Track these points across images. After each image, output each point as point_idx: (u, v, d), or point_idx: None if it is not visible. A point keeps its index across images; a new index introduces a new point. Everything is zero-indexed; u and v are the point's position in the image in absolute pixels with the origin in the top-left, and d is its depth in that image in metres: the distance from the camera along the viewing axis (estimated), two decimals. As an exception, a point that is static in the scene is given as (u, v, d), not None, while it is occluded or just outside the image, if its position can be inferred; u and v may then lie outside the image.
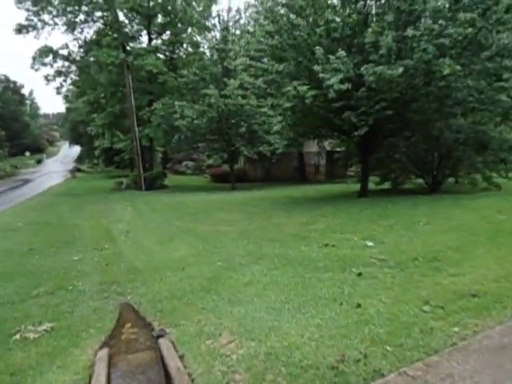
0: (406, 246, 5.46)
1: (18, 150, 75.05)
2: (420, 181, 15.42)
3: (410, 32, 7.83)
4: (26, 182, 38.06)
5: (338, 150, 20.14)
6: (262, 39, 10.74)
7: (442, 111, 9.90)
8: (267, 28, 10.55)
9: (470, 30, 7.66)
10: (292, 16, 10.25)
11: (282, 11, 10.62)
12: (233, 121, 20.07)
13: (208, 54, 23.58)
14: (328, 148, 21.77)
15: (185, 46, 27.88)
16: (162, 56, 27.87)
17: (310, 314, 3.60)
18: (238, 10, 22.73)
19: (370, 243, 5.85)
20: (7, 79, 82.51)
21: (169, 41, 27.39)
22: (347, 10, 10.22)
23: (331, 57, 8.89)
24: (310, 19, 10.23)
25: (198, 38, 26.72)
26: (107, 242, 8.89)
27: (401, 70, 7.81)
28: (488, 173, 13.05)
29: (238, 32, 22.98)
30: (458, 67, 7.65)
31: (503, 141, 11.95)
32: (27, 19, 25.67)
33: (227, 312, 4.14)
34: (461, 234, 5.61)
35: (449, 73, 7.57)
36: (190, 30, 27.74)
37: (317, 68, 9.16)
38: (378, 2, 9.79)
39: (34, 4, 25.35)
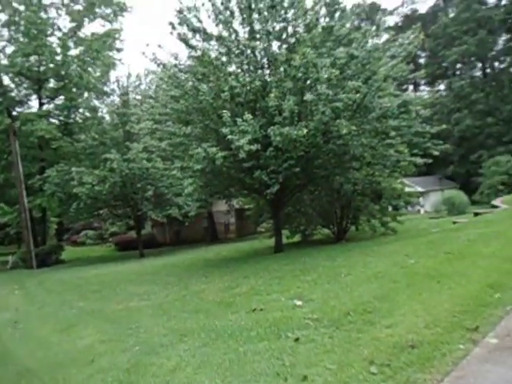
0: (334, 300, 5.41)
1: None
2: (327, 231, 16.31)
3: (308, 97, 8.58)
4: None
5: (246, 207, 20.52)
6: (166, 103, 10.75)
7: (341, 166, 10.80)
8: (172, 93, 10.63)
9: (357, 95, 8.70)
10: (196, 82, 10.54)
11: (186, 77, 10.87)
12: (138, 185, 19.25)
13: (108, 118, 22.85)
14: (237, 206, 22.05)
15: (81, 110, 26.72)
16: (55, 121, 26.21)
17: (253, 398, 3.17)
18: (137, 76, 22.85)
19: (298, 302, 5.68)
20: None
21: (63, 105, 26.01)
22: (247, 78, 10.90)
23: (238, 119, 9.21)
24: (214, 85, 10.62)
25: (96, 103, 25.93)
26: (-12, 340, 7.25)
27: (305, 130, 8.40)
28: (384, 219, 14.40)
29: (138, 97, 22.95)
30: (354, 127, 8.53)
31: (393, 190, 13.43)
32: None
33: (155, 412, 3.48)
34: (381, 282, 5.80)
35: (346, 132, 8.37)
36: (86, 94, 26.88)
37: (225, 130, 9.36)
38: (277, 70, 10.66)
39: None
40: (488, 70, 49.38)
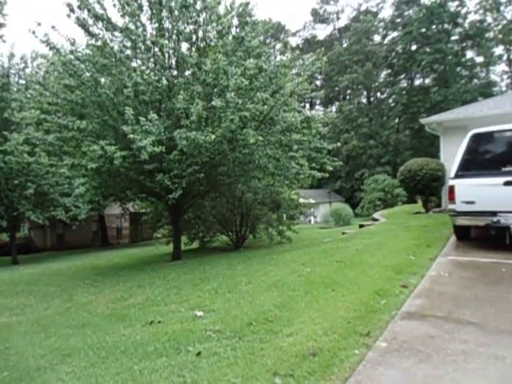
0: (236, 310, 5.34)
1: None
2: (225, 238, 16.38)
3: (218, 103, 8.49)
4: None
5: (143, 211, 19.50)
6: (57, 92, 9.61)
7: (245, 175, 10.94)
8: (66, 81, 9.55)
9: (264, 107, 8.92)
10: (96, 73, 9.65)
11: (83, 66, 9.88)
12: (16, 181, 16.77)
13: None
14: (132, 209, 20.85)
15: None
16: None
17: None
18: (22, 58, 20.09)
19: (199, 313, 5.47)
20: None
21: None
22: (153, 76, 10.36)
23: (142, 119, 8.66)
24: (116, 79, 9.87)
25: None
26: None
27: (213, 136, 8.27)
28: (280, 227, 15.04)
29: (22, 81, 20.24)
30: (260, 137, 8.70)
31: (291, 200, 14.12)
32: None
33: None
34: (281, 291, 5.93)
35: (253, 142, 8.49)
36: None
37: (126, 128, 8.72)
38: (185, 72, 10.37)
39: None
40: (372, 99, 56.12)
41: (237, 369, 3.55)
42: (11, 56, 19.40)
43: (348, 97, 57.78)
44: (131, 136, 8.43)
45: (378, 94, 56.16)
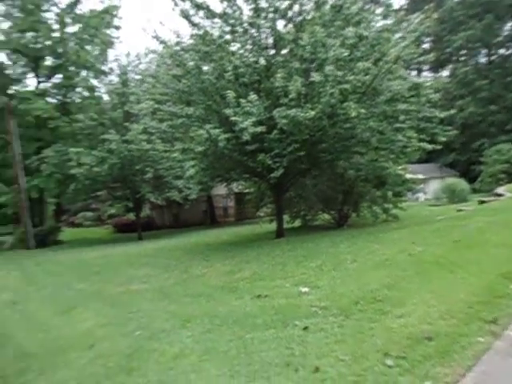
0: (341, 288, 5.27)
1: None
2: (327, 216, 16.18)
3: (316, 77, 8.28)
4: None
5: (246, 191, 20.32)
6: (167, 83, 10.41)
7: (346, 151, 10.56)
8: (173, 72, 10.28)
9: (366, 77, 8.40)
10: (199, 61, 10.19)
11: (188, 55, 10.50)
12: (137, 167, 18.94)
13: (106, 98, 22.38)
14: (236, 190, 21.85)
15: (79, 89, 26.15)
16: (52, 100, 25.67)
17: (264, 390, 3.04)
18: (137, 55, 22.28)
19: (304, 289, 5.54)
20: None
21: (60, 84, 25.45)
22: (252, 58, 10.53)
23: (242, 100, 8.91)
24: (217, 64, 10.28)
25: (95, 82, 25.36)
26: (-14, 322, 7.12)
27: (313, 112, 8.13)
28: (386, 205, 14.25)
29: (138, 77, 22.44)
30: (363, 110, 8.26)
31: (397, 176, 13.23)
32: None
33: (158, 401, 3.34)
34: (389, 270, 5.65)
35: (355, 115, 8.11)
36: (84, 73, 26.29)
37: (228, 111, 9.07)
38: (284, 50, 10.31)
39: None
40: (493, 57, 48.67)
41: (345, 346, 3.52)
42: (128, 54, 21.70)
43: (462, 58, 51.11)
44: (233, 118, 8.76)
45: (501, 51, 48.46)
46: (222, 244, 13.90)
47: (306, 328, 4.09)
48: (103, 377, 4.11)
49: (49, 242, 22.01)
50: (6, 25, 24.63)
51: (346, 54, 8.27)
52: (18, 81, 25.97)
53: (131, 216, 26.09)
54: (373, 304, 4.44)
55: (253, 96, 8.94)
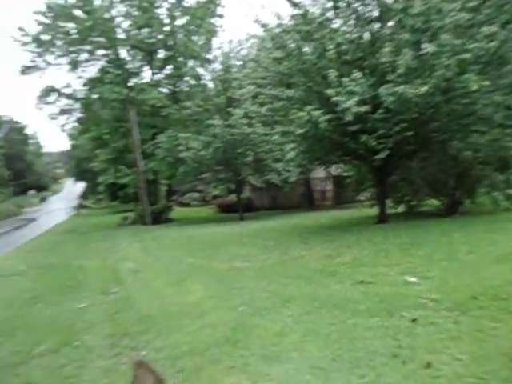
0: (455, 281, 4.81)
1: (23, 188, 75.51)
2: (436, 202, 14.83)
3: (429, 49, 7.50)
4: (31, 220, 37.65)
5: (345, 174, 19.69)
6: (268, 66, 10.50)
7: (463, 129, 9.45)
8: (274, 55, 10.32)
9: (491, 44, 7.31)
10: (300, 42, 10.03)
11: (289, 37, 10.41)
12: (239, 150, 19.73)
13: (211, 85, 23.61)
14: (335, 173, 21.32)
15: (186, 78, 28.08)
16: (164, 90, 28.06)
17: (369, 378, 2.94)
18: (239, 41, 22.92)
19: (411, 279, 5.20)
20: (11, 120, 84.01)
21: (170, 75, 27.64)
22: (355, 33, 9.98)
23: (345, 79, 8.55)
24: (318, 43, 10.00)
25: (200, 70, 26.95)
26: (115, 285, 8.22)
27: (425, 88, 7.42)
28: (510, 191, 12.46)
29: (239, 62, 23.11)
30: (486, 82, 7.26)
31: (525, 158, 11.43)
32: (31, 61, 26.03)
33: (263, 373, 3.48)
34: (516, 265, 4.97)
35: (476, 89, 7.18)
36: (191, 63, 28.07)
37: (330, 91, 8.80)
38: (390, 23, 9.57)
39: (38, 46, 25.77)
40: None
41: (461, 344, 3.21)
42: (230, 42, 22.46)
43: None
44: (335, 98, 8.48)
45: None
46: (321, 227, 13.78)
47: (414, 320, 3.84)
48: (212, 345, 4.44)
49: (162, 219, 24.42)
50: (125, 24, 27.50)
51: (467, 17, 7.27)
52: (136, 74, 28.89)
53: (233, 197, 27.42)
54: (495, 301, 3.95)
55: (356, 74, 8.50)
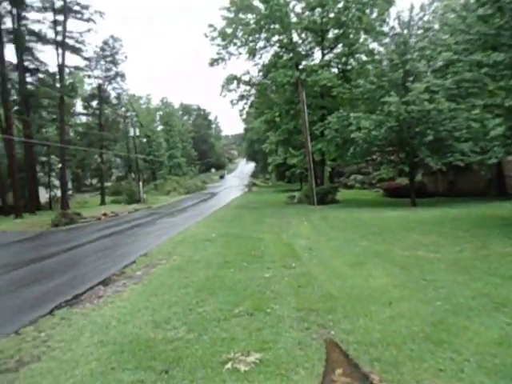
0: None
1: (206, 167, 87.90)
2: None
3: None
4: (212, 195, 43.47)
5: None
6: (471, 25, 8.93)
7: None
8: (479, 12, 8.70)
9: None
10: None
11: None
12: (416, 129, 17.90)
13: (385, 60, 22.00)
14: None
15: (357, 55, 26.99)
16: (334, 70, 27.71)
17: None
18: (421, 7, 20.54)
19: None
20: (199, 108, 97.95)
21: (341, 53, 27.02)
22: None
23: None
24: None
25: (374, 45, 25.46)
26: (293, 260, 8.57)
27: None
28: None
29: (420, 31, 20.78)
30: None
31: None
32: (217, 53, 29.30)
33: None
34: None
35: None
36: (363, 38, 26.80)
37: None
38: None
39: (223, 39, 28.76)
40: None
41: None
42: (411, 8, 20.21)
43: None
44: None
45: None
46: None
47: None
48: (408, 339, 4.08)
49: (327, 200, 24.56)
50: (298, 7, 28.04)
51: None
52: (307, 56, 29.33)
53: (402, 180, 25.43)
54: None
55: None
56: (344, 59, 27.06)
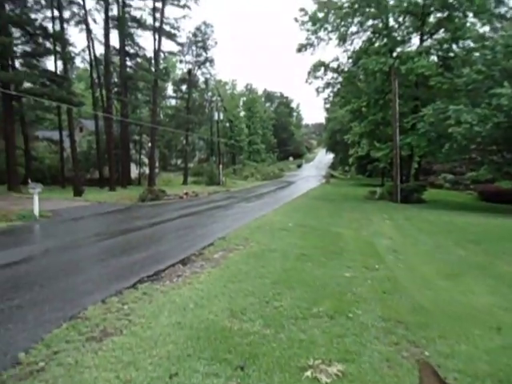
0: None
1: (284, 155, 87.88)
2: None
3: None
4: (289, 183, 43.18)
5: None
6: None
7: None
8: None
9: None
10: None
11: None
12: (531, 127, 15.61)
13: (498, 46, 19.33)
14: None
15: (462, 42, 24.22)
16: (433, 57, 25.29)
17: None
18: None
19: None
20: (281, 95, 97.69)
21: (443, 39, 24.47)
22: None
23: None
24: None
25: (485, 29, 22.61)
26: (375, 261, 7.92)
27: None
28: None
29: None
30: None
31: None
32: (307, 38, 28.51)
33: None
34: None
35: None
36: (470, 22, 23.95)
37: None
38: None
39: (313, 24, 27.86)
40: None
41: None
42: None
43: None
44: None
45: None
46: None
47: None
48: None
49: (412, 198, 22.80)
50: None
51: None
52: (403, 42, 27.17)
53: (506, 184, 22.60)
54: None
55: None
56: (446, 46, 24.48)
